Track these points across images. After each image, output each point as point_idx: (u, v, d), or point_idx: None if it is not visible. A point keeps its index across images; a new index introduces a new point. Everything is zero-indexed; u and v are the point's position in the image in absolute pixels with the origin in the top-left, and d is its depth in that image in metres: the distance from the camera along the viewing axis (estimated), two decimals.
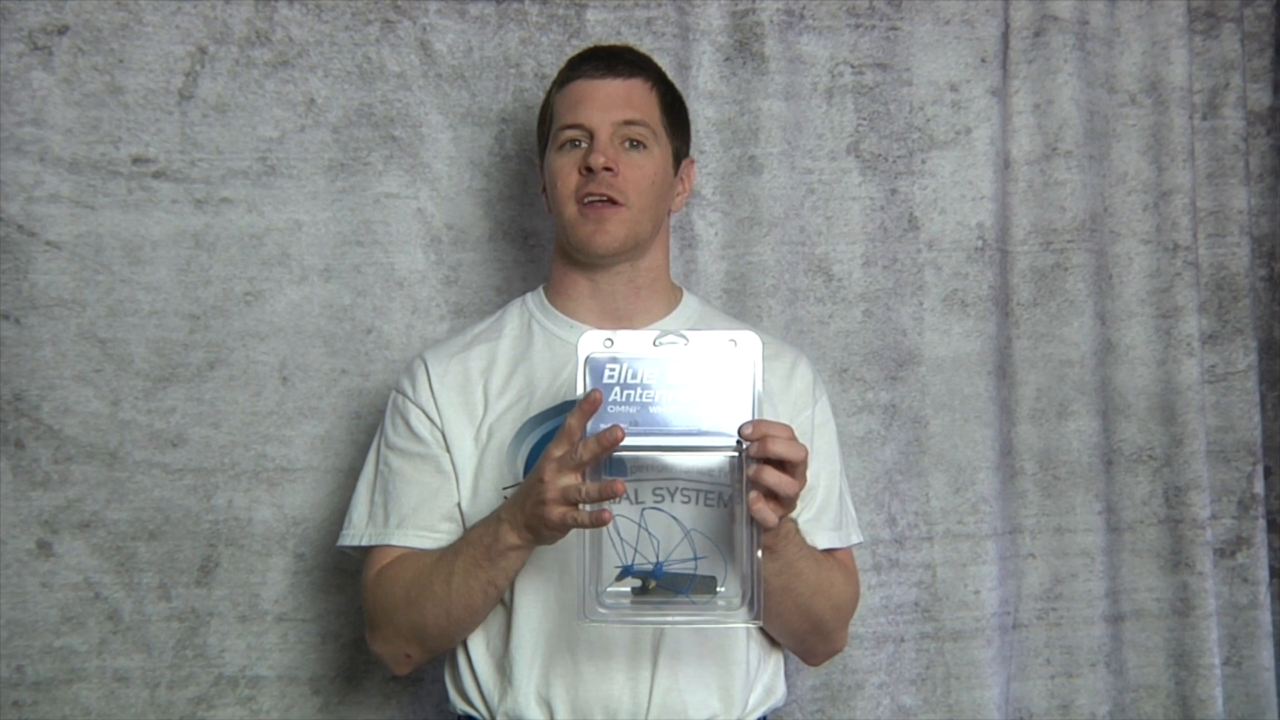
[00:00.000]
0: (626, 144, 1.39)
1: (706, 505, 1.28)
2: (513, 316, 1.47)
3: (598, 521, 1.14)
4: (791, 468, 1.13)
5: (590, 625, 1.18)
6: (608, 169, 1.36)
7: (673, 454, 1.19)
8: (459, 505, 1.37)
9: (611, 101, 1.39)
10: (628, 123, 1.39)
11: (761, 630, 1.38)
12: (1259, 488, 1.99)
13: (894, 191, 1.87)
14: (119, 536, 1.70)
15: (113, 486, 1.70)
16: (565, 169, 1.39)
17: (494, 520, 1.26)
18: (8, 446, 1.68)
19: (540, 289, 1.49)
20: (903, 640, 1.84)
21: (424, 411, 1.40)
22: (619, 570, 1.19)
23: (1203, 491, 1.91)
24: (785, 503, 1.14)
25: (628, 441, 1.14)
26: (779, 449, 1.12)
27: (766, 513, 1.12)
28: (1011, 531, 1.90)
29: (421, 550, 1.36)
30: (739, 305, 1.81)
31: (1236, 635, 1.98)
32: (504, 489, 1.34)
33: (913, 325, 1.86)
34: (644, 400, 1.15)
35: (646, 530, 1.22)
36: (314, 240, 1.76)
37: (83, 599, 1.70)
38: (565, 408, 1.35)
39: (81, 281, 1.70)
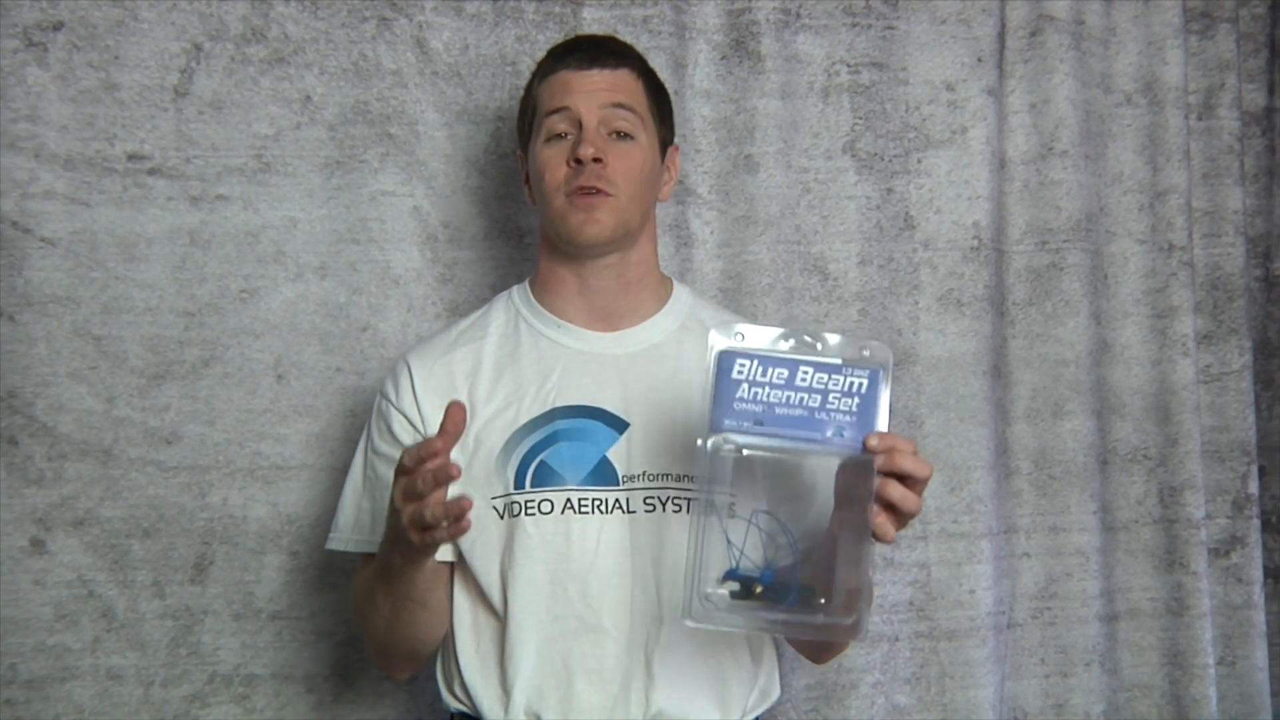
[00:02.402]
0: (614, 135, 1.37)
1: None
2: (498, 313, 1.44)
3: (457, 534, 1.13)
4: (914, 484, 1.11)
5: (695, 626, 1.14)
6: (596, 160, 1.34)
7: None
8: None
9: (598, 89, 1.38)
10: (616, 105, 1.37)
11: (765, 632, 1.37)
12: (1253, 487, 1.99)
13: (890, 191, 1.87)
14: (113, 534, 1.70)
15: (107, 484, 1.70)
16: (552, 161, 1.37)
17: (384, 542, 1.25)
18: (1, 444, 1.68)
19: (526, 283, 1.46)
20: (897, 639, 1.84)
21: (407, 417, 1.38)
22: (724, 573, 1.15)
23: (1197, 491, 1.92)
24: (904, 518, 1.12)
25: (751, 441, 1.11)
26: (907, 464, 1.10)
27: (888, 528, 1.10)
28: (1006, 531, 1.90)
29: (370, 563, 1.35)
30: (734, 304, 1.81)
31: (1231, 635, 1.98)
32: (492, 499, 1.33)
33: (908, 324, 1.86)
34: (770, 400, 1.12)
35: (759, 529, 1.18)
36: (309, 238, 1.75)
37: (76, 597, 1.69)
38: (555, 414, 1.34)
39: (76, 278, 1.70)
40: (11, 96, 1.69)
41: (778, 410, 1.12)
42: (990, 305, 1.88)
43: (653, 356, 1.38)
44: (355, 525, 1.40)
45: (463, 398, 1.36)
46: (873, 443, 1.10)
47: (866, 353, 1.13)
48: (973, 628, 1.84)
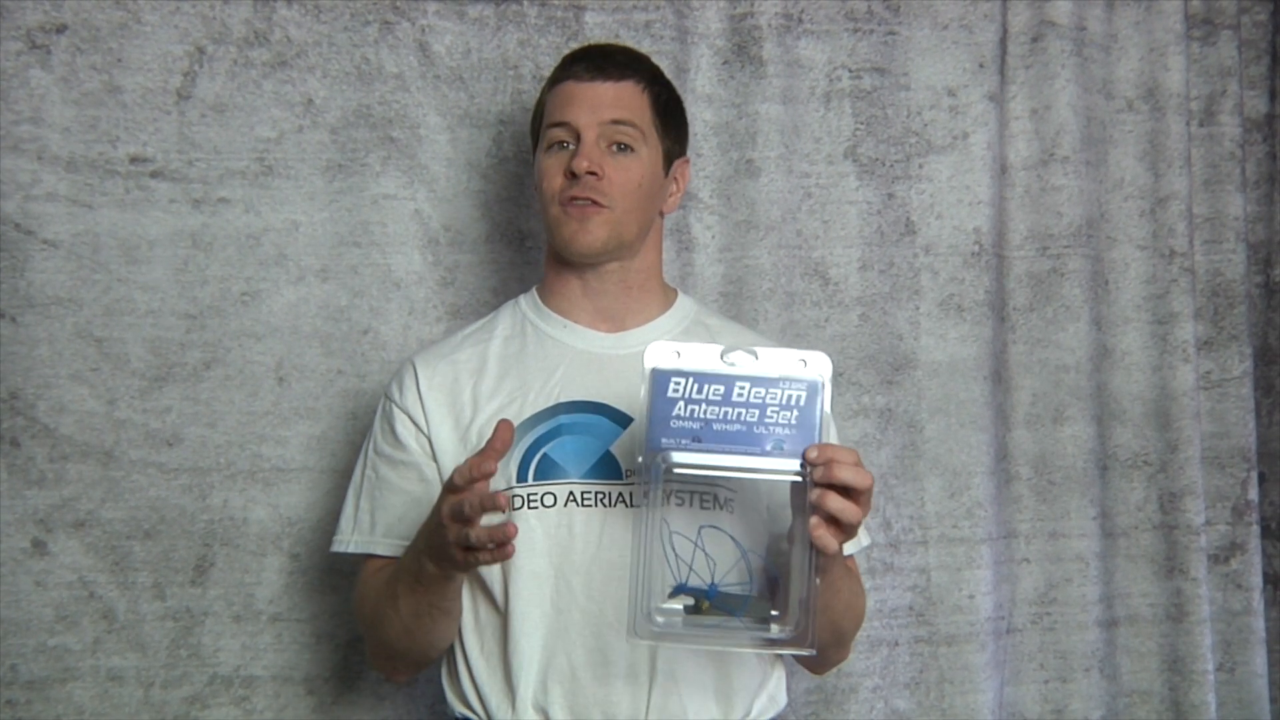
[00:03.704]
0: (613, 147, 1.38)
1: (703, 508, 1.27)
2: (505, 318, 1.46)
3: (501, 559, 1.14)
4: (856, 494, 1.11)
5: (640, 643, 1.15)
6: (591, 173, 1.35)
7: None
8: None
9: (598, 103, 1.38)
10: (615, 122, 1.38)
11: None
12: (1253, 494, 1.99)
13: (891, 196, 1.87)
14: (114, 535, 1.70)
15: (108, 485, 1.70)
16: (551, 170, 1.39)
17: (415, 548, 1.26)
18: (3, 445, 1.68)
19: (534, 290, 1.48)
20: (897, 644, 1.84)
21: (410, 418, 1.39)
22: (672, 588, 1.16)
23: (1197, 497, 1.92)
24: (847, 529, 1.12)
25: (691, 460, 1.12)
26: (845, 475, 1.10)
27: (828, 539, 1.10)
28: (1006, 536, 1.90)
29: (386, 566, 1.36)
30: (735, 309, 1.81)
31: (1230, 641, 1.98)
32: (495, 493, 1.33)
33: (909, 329, 1.87)
34: (707, 416, 1.12)
35: (703, 550, 1.18)
36: (311, 241, 1.76)
37: (77, 598, 1.69)
38: (559, 410, 1.35)
39: (78, 280, 1.70)
40: (14, 99, 1.69)
41: (715, 426, 1.12)
42: (991, 310, 1.88)
43: None
44: (356, 526, 1.41)
45: (467, 395, 1.38)
46: (811, 455, 1.11)
47: (805, 363, 1.13)
48: (972, 633, 1.84)
